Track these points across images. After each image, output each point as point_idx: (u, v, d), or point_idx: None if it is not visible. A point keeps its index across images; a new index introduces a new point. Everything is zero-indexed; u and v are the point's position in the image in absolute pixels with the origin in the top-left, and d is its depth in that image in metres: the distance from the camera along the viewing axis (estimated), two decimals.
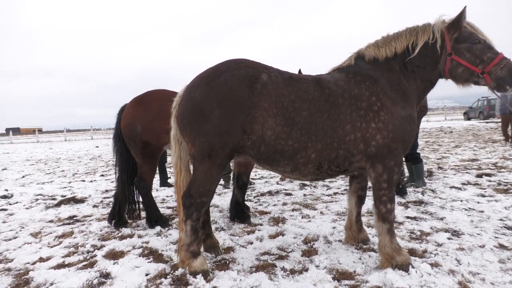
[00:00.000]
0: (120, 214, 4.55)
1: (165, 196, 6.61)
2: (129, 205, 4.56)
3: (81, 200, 6.41)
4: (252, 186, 7.10)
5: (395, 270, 2.91)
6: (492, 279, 2.78)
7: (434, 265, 3.06)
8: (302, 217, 4.70)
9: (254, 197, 6.16)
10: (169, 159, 8.68)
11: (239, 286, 2.84)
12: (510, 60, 2.88)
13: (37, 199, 6.73)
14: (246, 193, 6.32)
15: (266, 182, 7.49)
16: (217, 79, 2.89)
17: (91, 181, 8.79)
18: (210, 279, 2.96)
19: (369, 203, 4.03)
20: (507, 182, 6.04)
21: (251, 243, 3.81)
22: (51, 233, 4.50)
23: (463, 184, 6.15)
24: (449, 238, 3.69)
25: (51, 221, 5.12)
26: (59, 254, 3.71)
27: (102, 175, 9.79)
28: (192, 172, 3.13)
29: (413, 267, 2.96)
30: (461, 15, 2.97)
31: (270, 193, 6.37)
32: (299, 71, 5.69)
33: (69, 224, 4.94)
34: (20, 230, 4.70)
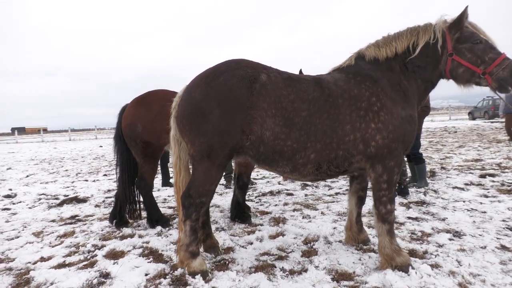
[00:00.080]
0: (121, 214, 4.57)
1: (166, 196, 6.63)
2: (129, 205, 4.58)
3: (83, 200, 6.45)
4: (253, 186, 7.10)
5: (394, 271, 2.89)
6: (493, 280, 2.75)
7: (434, 266, 3.04)
8: (303, 218, 4.69)
9: (256, 197, 6.16)
10: (171, 159, 8.71)
11: (238, 287, 2.84)
12: None
13: (40, 199, 6.77)
14: (248, 193, 6.33)
15: (268, 182, 7.48)
16: (217, 79, 2.89)
17: (94, 181, 8.84)
18: (209, 279, 2.97)
19: (370, 204, 4.01)
20: (510, 183, 5.99)
21: (251, 243, 3.80)
22: (52, 232, 4.53)
23: (466, 184, 6.11)
24: (450, 239, 3.66)
25: (53, 221, 5.15)
26: (60, 254, 3.73)
27: (105, 175, 9.84)
28: (191, 172, 3.14)
29: (413, 268, 2.94)
30: (463, 15, 2.95)
31: (271, 193, 6.36)
32: (300, 71, 5.68)
33: (71, 223, 4.97)
34: (23, 230, 4.73)
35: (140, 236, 4.18)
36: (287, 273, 3.07)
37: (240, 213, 4.62)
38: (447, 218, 4.37)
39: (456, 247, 3.44)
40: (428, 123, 29.31)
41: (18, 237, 4.41)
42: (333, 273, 3.02)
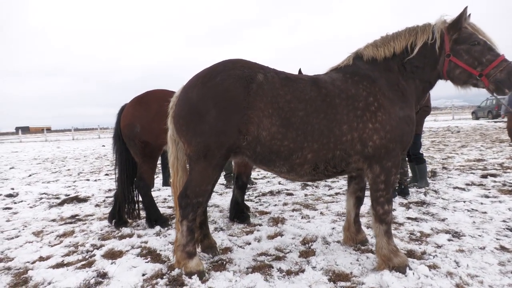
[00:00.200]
0: (120, 214, 4.58)
1: (166, 196, 6.64)
2: (128, 205, 4.59)
3: (84, 199, 6.47)
4: (253, 186, 7.10)
5: (391, 272, 2.88)
6: (491, 281, 2.73)
7: (432, 267, 3.02)
8: (302, 218, 4.68)
9: (256, 197, 6.16)
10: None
11: (234, 287, 2.84)
12: (511, 63, 2.79)
13: (41, 198, 6.81)
14: (248, 193, 6.33)
15: (268, 182, 7.47)
16: (214, 79, 2.89)
17: (95, 180, 8.87)
18: (206, 279, 2.96)
19: (369, 204, 4.00)
20: None
21: (249, 243, 3.80)
22: (52, 232, 4.55)
23: (467, 184, 6.07)
24: (449, 240, 3.64)
25: (53, 220, 5.17)
26: (59, 254, 3.75)
27: (106, 174, 9.87)
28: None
29: (410, 269, 2.92)
30: (461, 16, 2.91)
31: (271, 193, 6.36)
32: (299, 71, 5.66)
33: (71, 223, 4.99)
34: (23, 229, 4.75)
35: (139, 236, 4.19)
36: (284, 273, 3.06)
37: (239, 213, 4.62)
38: (447, 218, 4.34)
39: (455, 247, 3.42)
40: (431, 123, 29.18)
41: (18, 236, 4.43)
42: (330, 274, 3.01)
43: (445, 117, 39.61)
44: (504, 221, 4.14)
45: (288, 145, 2.86)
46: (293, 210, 5.09)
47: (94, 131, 55.52)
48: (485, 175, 6.63)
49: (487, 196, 5.23)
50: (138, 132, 4.24)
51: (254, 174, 8.19)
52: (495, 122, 24.51)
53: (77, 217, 5.29)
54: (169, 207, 5.73)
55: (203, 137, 2.84)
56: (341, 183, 6.84)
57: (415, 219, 4.39)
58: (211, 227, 4.42)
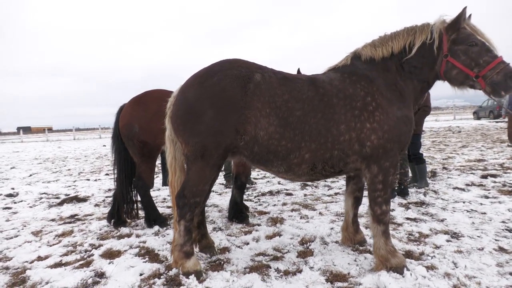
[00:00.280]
0: (119, 214, 4.58)
1: (166, 196, 6.64)
2: (127, 204, 4.59)
3: (84, 199, 6.48)
4: (253, 186, 7.09)
5: (389, 273, 2.87)
6: (488, 283, 2.72)
7: (430, 268, 3.01)
8: (301, 218, 4.68)
9: (255, 197, 6.16)
10: None
11: (232, 287, 2.84)
12: (509, 65, 2.75)
13: (41, 198, 6.82)
14: (247, 193, 6.34)
15: (268, 182, 7.47)
16: (211, 79, 2.89)
17: (95, 180, 8.88)
18: (203, 279, 2.96)
19: (367, 204, 3.99)
20: None
21: (247, 243, 3.80)
22: (51, 231, 4.55)
23: (467, 185, 6.05)
24: (448, 240, 3.63)
25: (53, 220, 5.18)
26: (57, 253, 3.75)
27: (106, 174, 9.88)
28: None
29: (408, 269, 2.92)
30: (460, 16, 2.89)
31: (271, 193, 6.35)
32: (298, 71, 5.66)
33: (70, 223, 4.99)
34: (22, 229, 4.76)
35: (138, 236, 4.20)
36: (281, 273, 3.06)
37: (237, 213, 4.62)
38: (446, 219, 4.33)
39: (453, 248, 3.41)
40: (432, 123, 29.14)
41: (17, 236, 4.44)
42: (327, 274, 3.00)
43: (446, 117, 39.53)
44: (503, 222, 4.12)
45: (286, 144, 2.86)
46: (292, 210, 5.09)
47: (95, 131, 55.66)
48: (485, 176, 6.61)
49: (486, 197, 5.22)
50: (137, 132, 4.25)
51: (254, 174, 8.19)
52: (497, 122, 24.44)
53: (76, 217, 5.29)
54: (168, 207, 5.73)
55: (200, 137, 2.84)
56: (340, 183, 6.83)
57: (414, 220, 4.38)
58: (210, 227, 4.42)
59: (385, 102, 2.91)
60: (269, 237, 3.98)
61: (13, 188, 7.95)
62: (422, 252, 3.36)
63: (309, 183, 6.87)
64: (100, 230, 4.55)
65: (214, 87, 2.85)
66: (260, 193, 6.38)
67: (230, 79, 2.85)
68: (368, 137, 2.87)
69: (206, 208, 5.34)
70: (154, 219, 4.52)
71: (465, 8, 2.89)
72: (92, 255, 3.65)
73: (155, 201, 5.92)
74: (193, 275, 2.95)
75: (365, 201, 3.80)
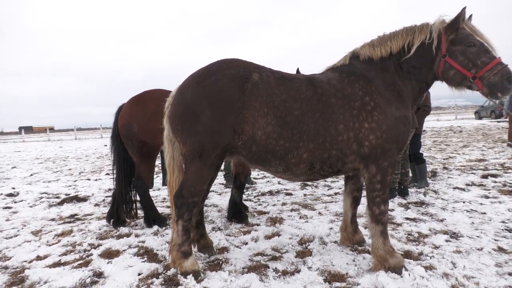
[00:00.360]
0: (118, 213, 4.59)
1: (166, 195, 6.64)
2: (126, 204, 4.60)
3: (84, 199, 6.49)
4: (253, 186, 7.09)
5: (387, 273, 2.87)
6: (487, 283, 2.71)
7: (429, 268, 3.01)
8: (300, 218, 4.67)
9: (255, 196, 6.15)
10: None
11: (229, 287, 2.84)
12: (506, 66, 2.72)
13: (41, 198, 6.83)
14: (247, 193, 6.33)
15: (268, 181, 7.47)
16: (208, 79, 2.89)
17: (96, 180, 8.90)
18: (201, 279, 2.96)
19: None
20: None
21: (246, 243, 3.80)
22: (51, 231, 4.56)
23: (467, 185, 6.04)
24: (447, 240, 3.62)
25: (52, 220, 5.19)
26: (56, 253, 3.76)
27: (107, 174, 9.89)
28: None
29: (406, 269, 2.91)
30: (459, 16, 2.87)
31: (270, 192, 6.35)
32: (297, 71, 5.65)
33: (69, 222, 5.00)
34: (22, 228, 4.77)
35: (137, 236, 4.20)
36: (279, 273, 3.06)
37: (237, 213, 4.62)
38: (445, 219, 4.32)
39: (452, 248, 3.40)
40: (434, 123, 29.08)
41: (16, 235, 4.45)
42: (325, 274, 3.00)
43: (448, 116, 39.42)
44: (503, 222, 4.11)
45: (284, 144, 2.85)
46: (292, 210, 5.08)
47: (96, 131, 55.77)
48: (486, 176, 6.59)
49: (487, 197, 5.20)
50: (136, 132, 4.25)
51: (254, 174, 8.18)
52: (498, 122, 24.36)
53: (76, 217, 5.30)
54: (168, 207, 5.73)
55: (198, 137, 2.84)
56: (340, 183, 6.81)
57: (414, 220, 4.37)
58: (209, 227, 4.42)
59: (384, 102, 2.91)
60: (268, 237, 3.97)
61: (13, 188, 7.97)
62: (421, 252, 3.36)
63: (309, 183, 6.86)
64: (99, 229, 4.56)
65: (211, 87, 2.84)
66: (260, 193, 6.38)
67: (228, 79, 2.85)
68: (366, 137, 2.86)
69: (205, 208, 5.36)
70: (153, 218, 4.52)
71: (464, 8, 2.87)
72: (91, 254, 3.66)
73: (155, 201, 5.94)
74: (191, 275, 2.95)
75: (364, 201, 3.81)
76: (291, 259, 3.36)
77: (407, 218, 4.43)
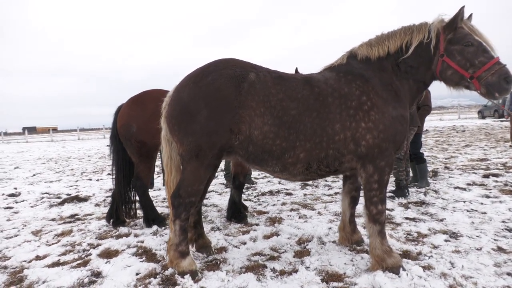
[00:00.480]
0: (117, 213, 4.60)
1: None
2: (125, 204, 4.61)
3: (84, 199, 6.51)
4: (253, 185, 7.09)
5: (385, 273, 2.86)
6: (485, 283, 2.70)
7: (427, 268, 2.99)
8: (299, 217, 4.66)
9: (255, 196, 6.15)
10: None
11: (226, 287, 2.84)
12: (504, 66, 2.70)
13: (42, 198, 6.87)
14: (247, 193, 6.34)
15: (268, 181, 7.46)
16: (205, 79, 2.89)
17: (97, 180, 8.93)
18: (198, 279, 2.96)
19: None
20: None
21: (245, 243, 3.80)
22: (51, 231, 4.58)
23: (468, 184, 6.01)
24: (446, 240, 3.60)
25: (53, 220, 5.21)
26: (55, 253, 3.77)
27: (109, 174, 9.90)
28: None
29: (404, 269, 2.90)
30: (457, 15, 2.85)
31: (271, 192, 6.35)
32: (296, 70, 5.64)
33: (70, 222, 5.02)
34: (22, 228, 4.79)
35: (136, 236, 4.21)
36: (277, 273, 3.05)
37: (236, 213, 4.62)
38: (445, 218, 4.30)
39: (451, 248, 3.39)
40: (437, 122, 28.97)
41: (17, 235, 4.47)
42: (323, 274, 2.99)
43: (451, 116, 39.27)
44: (503, 221, 4.09)
45: (280, 144, 2.85)
46: (291, 210, 5.08)
47: (99, 131, 55.96)
48: (487, 175, 6.55)
49: (487, 196, 5.18)
50: (134, 132, 4.26)
51: (255, 174, 8.18)
52: (501, 121, 24.21)
53: (76, 217, 5.32)
54: (168, 207, 5.74)
55: (195, 137, 2.84)
56: (341, 182, 6.76)
57: (413, 219, 4.35)
58: (208, 227, 4.42)
59: (381, 102, 2.89)
60: (267, 237, 3.97)
61: (15, 188, 8.02)
62: (420, 252, 3.34)
63: (310, 182, 6.85)
64: (99, 229, 4.57)
65: (208, 86, 2.85)
66: (260, 193, 6.37)
67: (225, 79, 2.85)
68: (363, 137, 2.85)
69: (205, 208, 5.37)
70: (153, 218, 4.53)
71: (462, 7, 2.85)
72: (90, 254, 3.67)
73: (155, 201, 5.96)
74: (188, 274, 2.95)
75: (363, 200, 3.80)
76: (289, 259, 3.35)
77: (406, 218, 4.41)
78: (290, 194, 6.13)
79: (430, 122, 29.93)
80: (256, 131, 2.82)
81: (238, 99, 2.81)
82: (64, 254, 3.75)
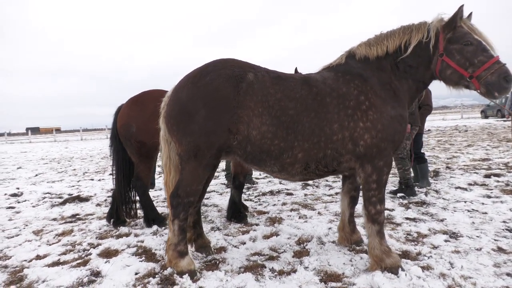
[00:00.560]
0: (118, 213, 4.62)
1: None
2: (125, 204, 4.63)
3: (86, 199, 6.54)
4: (254, 185, 7.09)
5: (383, 273, 2.85)
6: (484, 283, 2.69)
7: (426, 268, 2.98)
8: (299, 218, 4.66)
9: (255, 196, 6.15)
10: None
11: (225, 287, 2.84)
12: (504, 65, 2.68)
13: (44, 198, 6.90)
14: (248, 193, 6.34)
15: (269, 181, 7.46)
16: (203, 79, 2.90)
17: (99, 180, 8.96)
18: (197, 279, 2.97)
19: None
20: None
21: (244, 243, 3.80)
22: (52, 231, 4.60)
23: (470, 184, 5.98)
24: (446, 241, 3.59)
25: (54, 219, 5.24)
26: (56, 252, 3.79)
27: (111, 174, 9.88)
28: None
29: (403, 269, 2.89)
30: (457, 14, 2.84)
31: (271, 192, 6.35)
32: (296, 70, 5.64)
33: (71, 222, 5.04)
34: (24, 228, 4.82)
35: (136, 235, 4.22)
36: (276, 273, 3.05)
37: (236, 212, 4.62)
38: (445, 219, 4.28)
39: (451, 248, 3.37)
40: (439, 122, 28.86)
41: (18, 235, 4.50)
42: (321, 274, 2.99)
43: (454, 116, 39.11)
44: (504, 221, 4.07)
45: (279, 144, 2.85)
46: (292, 210, 5.07)
47: (102, 131, 56.16)
48: (489, 175, 6.52)
49: (489, 196, 5.15)
50: (134, 132, 4.27)
51: (256, 174, 8.17)
52: (504, 121, 24.08)
53: (77, 216, 5.35)
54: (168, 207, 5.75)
55: (193, 137, 2.85)
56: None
57: (414, 220, 4.33)
58: (208, 227, 4.43)
59: (379, 101, 2.89)
60: (267, 237, 3.97)
61: (18, 188, 8.06)
62: (419, 252, 3.33)
63: (310, 182, 6.84)
64: (99, 229, 4.59)
65: (206, 87, 2.85)
66: (260, 193, 6.37)
67: (223, 79, 2.85)
68: (361, 136, 2.85)
69: (206, 208, 5.38)
70: (153, 218, 4.54)
71: (461, 6, 2.84)
72: (90, 254, 3.69)
73: (156, 201, 5.98)
74: (187, 274, 2.96)
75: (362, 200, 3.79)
76: (288, 259, 3.35)
77: (407, 218, 4.40)
78: (291, 194, 6.12)
79: (433, 122, 29.82)
80: (254, 131, 2.82)
81: (236, 99, 2.81)
82: (64, 253, 3.77)
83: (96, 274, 3.19)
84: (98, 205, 6.09)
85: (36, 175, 10.62)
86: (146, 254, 3.63)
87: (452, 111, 63.18)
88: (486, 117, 30.64)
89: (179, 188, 3.00)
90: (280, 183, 7.16)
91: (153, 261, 3.41)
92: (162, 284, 2.94)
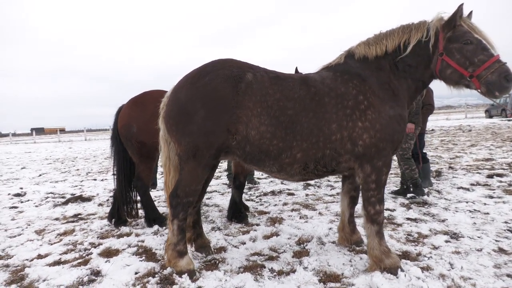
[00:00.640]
0: (119, 213, 4.64)
1: None
2: (126, 204, 4.64)
3: (88, 199, 6.57)
4: (256, 186, 7.10)
5: (383, 273, 2.84)
6: (484, 284, 2.67)
7: (425, 268, 2.97)
8: (300, 218, 4.66)
9: (257, 196, 6.15)
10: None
11: (224, 287, 2.84)
12: (505, 64, 2.65)
13: (47, 197, 6.94)
14: (249, 193, 6.34)
15: (271, 182, 7.46)
16: (202, 79, 2.90)
17: (102, 180, 9.01)
18: (196, 278, 2.98)
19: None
20: None
21: (244, 243, 3.80)
22: (54, 230, 4.63)
23: (472, 184, 5.95)
24: (446, 241, 3.57)
25: (56, 219, 5.27)
26: (57, 252, 3.82)
27: (114, 174, 9.97)
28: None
29: (402, 270, 2.88)
30: (456, 13, 2.82)
31: (273, 192, 6.35)
32: (296, 70, 5.64)
33: (72, 222, 5.07)
34: (26, 228, 4.85)
35: (137, 235, 4.24)
36: (275, 273, 3.06)
37: (236, 213, 4.63)
38: (447, 219, 4.26)
39: (451, 249, 3.36)
40: (443, 122, 28.70)
41: (20, 234, 4.53)
42: (321, 275, 2.98)
43: (458, 115, 38.90)
44: (506, 222, 4.04)
45: (277, 144, 2.85)
46: (292, 210, 5.07)
47: (106, 132, 56.42)
48: (491, 175, 6.48)
49: (491, 197, 5.12)
50: (135, 132, 4.29)
51: (257, 174, 8.17)
52: (509, 120, 23.92)
53: (79, 216, 5.37)
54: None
55: (192, 137, 2.85)
56: None
57: (415, 220, 4.32)
58: (209, 227, 4.44)
59: (378, 101, 2.88)
60: (267, 237, 3.97)
61: (21, 188, 8.12)
62: (419, 252, 3.32)
63: (312, 182, 6.83)
64: (101, 229, 4.61)
65: (205, 87, 2.86)
66: (262, 193, 6.38)
67: (222, 79, 2.86)
68: (360, 136, 2.84)
69: (207, 208, 5.39)
70: (154, 218, 4.55)
71: (461, 5, 2.82)
72: (91, 253, 3.71)
73: (158, 201, 6.00)
74: (186, 274, 2.97)
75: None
76: (287, 259, 3.35)
77: (408, 218, 4.39)
78: (292, 194, 6.12)
79: (437, 121, 29.68)
80: (253, 131, 2.83)
81: (235, 99, 2.82)
82: (65, 253, 3.79)
83: (96, 273, 3.20)
84: (100, 205, 6.12)
85: (40, 175, 10.69)
86: (147, 253, 3.64)
87: (456, 111, 62.84)
88: (490, 116, 30.45)
89: (178, 188, 3.01)
90: (282, 183, 7.16)
91: (153, 261, 3.42)
92: (162, 283, 2.95)
